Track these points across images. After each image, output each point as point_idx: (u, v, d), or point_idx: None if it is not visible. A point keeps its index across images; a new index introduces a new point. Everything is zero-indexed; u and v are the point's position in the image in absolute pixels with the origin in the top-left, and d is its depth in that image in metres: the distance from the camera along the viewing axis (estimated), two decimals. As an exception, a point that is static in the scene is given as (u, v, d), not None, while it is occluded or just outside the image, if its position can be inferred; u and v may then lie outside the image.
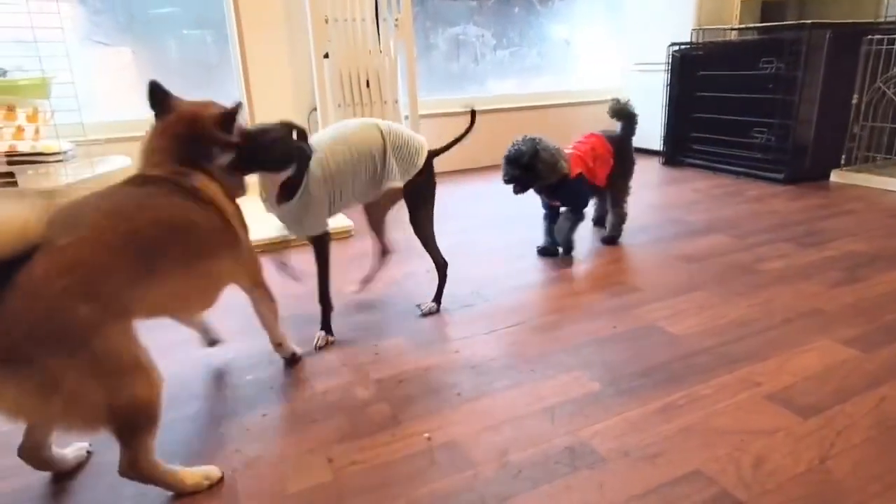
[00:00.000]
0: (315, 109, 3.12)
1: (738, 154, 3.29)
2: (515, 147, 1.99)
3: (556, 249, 2.15)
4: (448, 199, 3.03)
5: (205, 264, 1.10)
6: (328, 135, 1.49)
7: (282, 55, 3.14)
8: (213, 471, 1.05)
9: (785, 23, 3.34)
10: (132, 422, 0.91)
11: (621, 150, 2.22)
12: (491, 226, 2.54)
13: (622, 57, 4.02)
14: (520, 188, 2.01)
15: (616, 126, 2.30)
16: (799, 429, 1.13)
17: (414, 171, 1.54)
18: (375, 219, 1.80)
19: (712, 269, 1.95)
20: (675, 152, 3.67)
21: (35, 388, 0.80)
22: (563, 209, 2.14)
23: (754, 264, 1.98)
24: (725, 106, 3.30)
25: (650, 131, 3.73)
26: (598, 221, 2.45)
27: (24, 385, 0.79)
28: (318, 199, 1.43)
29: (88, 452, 1.13)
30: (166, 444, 1.13)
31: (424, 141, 1.59)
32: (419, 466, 1.06)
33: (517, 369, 1.37)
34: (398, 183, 1.53)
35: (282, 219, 1.48)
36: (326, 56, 2.98)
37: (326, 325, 1.56)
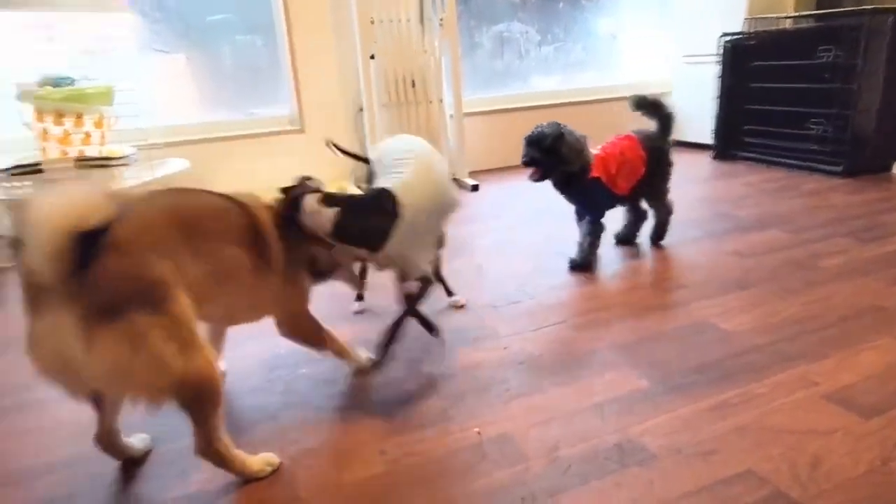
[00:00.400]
0: (361, 109, 3.18)
1: (792, 146, 3.18)
2: (538, 129, 1.87)
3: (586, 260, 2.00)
4: (491, 197, 3.04)
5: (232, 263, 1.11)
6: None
7: (329, 57, 3.21)
8: (273, 457, 1.10)
9: (843, 9, 3.20)
10: (200, 396, 0.96)
11: (656, 154, 2.02)
12: (534, 222, 2.54)
13: (671, 50, 3.94)
14: (539, 174, 1.87)
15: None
16: (859, 429, 1.10)
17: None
18: None
19: (766, 266, 1.90)
20: (727, 146, 3.57)
21: (126, 340, 0.86)
22: (580, 223, 2.01)
23: (810, 260, 1.92)
24: (780, 97, 3.20)
25: (700, 125, 3.64)
26: (623, 240, 2.22)
27: (118, 337, 0.86)
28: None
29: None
30: (229, 432, 1.19)
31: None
32: (470, 460, 1.09)
33: (565, 366, 1.38)
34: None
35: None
36: (373, 57, 3.04)
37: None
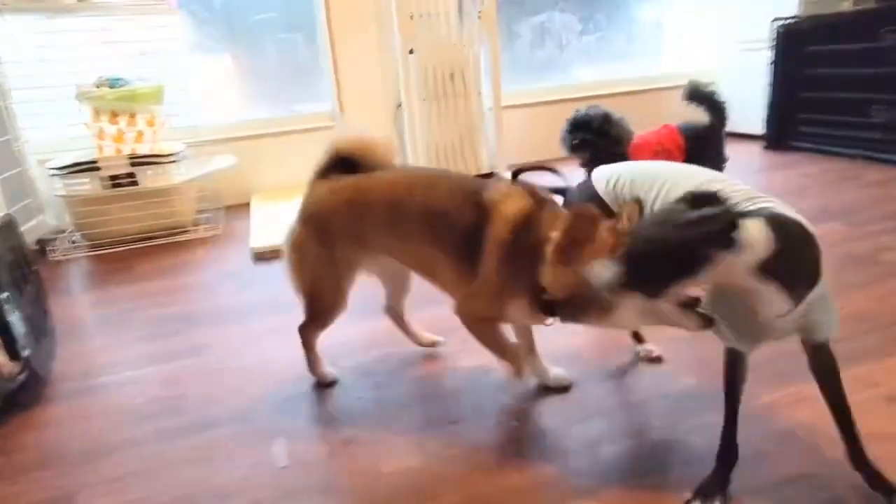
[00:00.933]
0: (400, 105, 3.19)
1: (853, 135, 3.01)
2: (581, 112, 1.81)
3: None
4: (534, 190, 3.00)
5: (432, 251, 1.14)
6: None
7: (370, 54, 3.23)
8: (333, 374, 1.37)
9: (910, -13, 3.01)
10: (312, 310, 1.31)
11: (701, 145, 1.90)
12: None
13: (719, 37, 3.79)
14: (589, 158, 1.78)
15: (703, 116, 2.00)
16: (926, 433, 1.03)
17: None
18: None
19: (827, 260, 1.80)
20: (780, 135, 3.42)
21: (298, 238, 1.25)
22: None
23: (874, 255, 1.82)
24: (839, 83, 3.03)
25: (750, 114, 3.49)
26: None
27: (297, 232, 1.26)
28: None
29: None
30: (274, 420, 1.22)
31: None
32: (508, 453, 1.07)
33: (607, 361, 1.35)
34: None
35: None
36: (412, 52, 3.04)
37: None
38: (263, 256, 2.25)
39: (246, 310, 1.80)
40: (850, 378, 1.21)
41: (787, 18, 3.23)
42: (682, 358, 1.33)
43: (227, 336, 1.65)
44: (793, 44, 3.22)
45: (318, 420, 1.23)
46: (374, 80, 3.27)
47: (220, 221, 2.75)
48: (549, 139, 3.72)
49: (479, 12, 3.04)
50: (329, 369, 1.36)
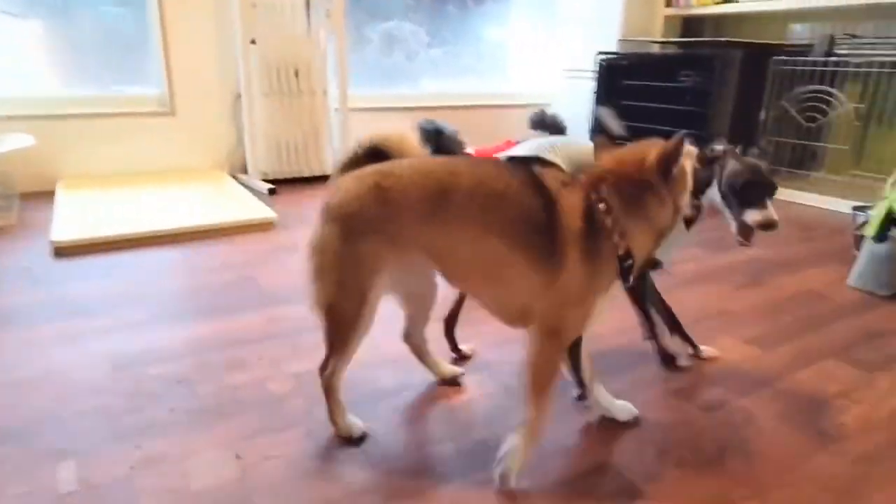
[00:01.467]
0: (240, 97, 3.00)
1: (657, 162, 3.44)
2: (419, 124, 1.94)
3: None
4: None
5: (479, 239, 0.95)
6: None
7: (206, 38, 3.00)
8: (359, 426, 1.10)
9: (702, 39, 3.53)
10: (331, 329, 1.06)
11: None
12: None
13: (553, 62, 4.12)
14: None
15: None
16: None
17: None
18: None
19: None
20: (600, 158, 3.79)
21: (321, 239, 1.01)
22: None
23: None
24: (648, 115, 3.45)
25: (577, 136, 3.83)
26: None
27: (320, 234, 1.01)
28: None
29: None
30: (59, 439, 1.05)
31: None
32: (335, 461, 1.04)
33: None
34: None
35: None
36: (253, 42, 2.88)
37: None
38: (65, 251, 1.97)
39: (35, 311, 1.55)
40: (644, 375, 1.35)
41: (608, 53, 3.61)
42: (504, 360, 1.39)
43: (4, 342, 1.40)
44: (612, 76, 3.60)
45: (117, 437, 1.08)
46: (210, 67, 3.04)
47: (12, 209, 2.36)
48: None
49: (328, 10, 2.97)
50: (356, 420, 1.10)
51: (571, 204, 0.94)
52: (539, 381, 0.97)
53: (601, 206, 0.94)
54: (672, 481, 1.01)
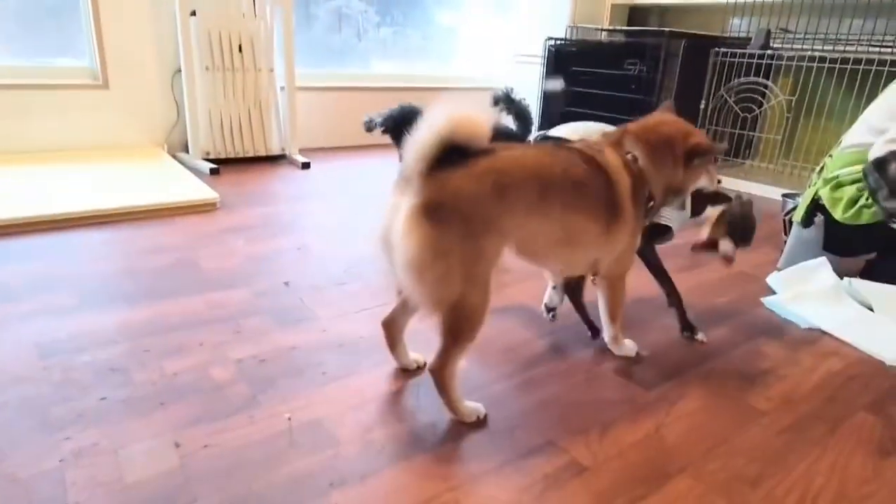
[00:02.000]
0: (179, 71, 2.86)
1: (603, 148, 3.51)
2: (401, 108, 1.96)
3: None
4: (321, 177, 2.93)
5: (567, 217, 1.13)
6: None
7: (141, 6, 2.83)
8: (480, 408, 1.14)
9: (647, 28, 3.61)
10: (461, 323, 1.05)
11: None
12: (365, 206, 2.50)
13: (504, 47, 4.13)
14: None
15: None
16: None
17: None
18: None
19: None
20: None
21: (432, 245, 0.98)
22: None
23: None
24: (595, 102, 3.51)
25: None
26: None
27: (436, 235, 0.98)
28: None
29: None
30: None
31: None
32: (279, 447, 1.02)
33: (386, 348, 1.36)
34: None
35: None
36: (193, 14, 2.75)
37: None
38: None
39: (-48, 298, 1.45)
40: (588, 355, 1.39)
41: (557, 39, 3.64)
42: (454, 342, 1.40)
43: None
44: (561, 62, 3.64)
45: (44, 429, 1.03)
46: (146, 38, 2.88)
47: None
48: (344, 124, 3.69)
49: (273, -17, 2.87)
50: (473, 403, 1.14)
51: (615, 164, 1.19)
52: (617, 307, 1.35)
53: (629, 156, 1.22)
54: (612, 457, 1.04)
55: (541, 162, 1.11)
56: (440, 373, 1.09)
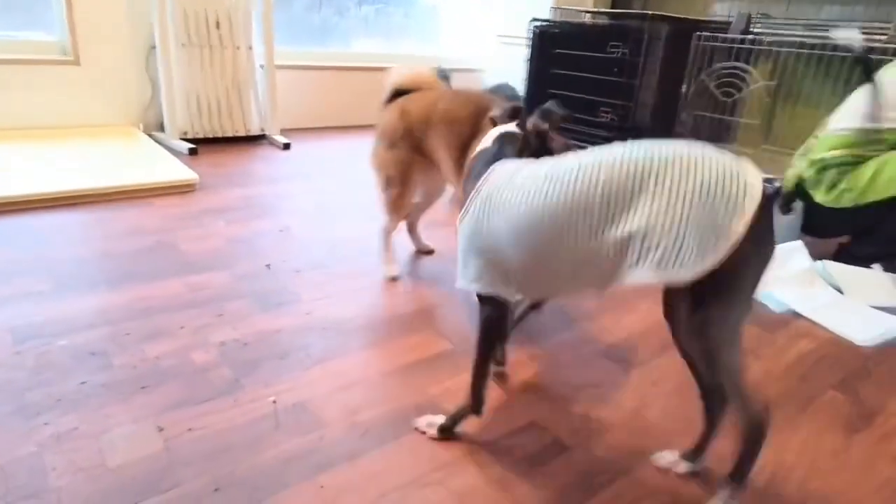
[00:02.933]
0: (154, 47, 2.78)
1: (587, 131, 3.52)
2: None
3: None
4: (302, 158, 2.90)
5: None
6: None
7: (114, -20, 2.74)
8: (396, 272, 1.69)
9: (631, 11, 3.60)
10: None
11: None
12: (347, 187, 2.47)
13: (488, 27, 4.09)
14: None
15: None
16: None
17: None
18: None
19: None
20: (531, 126, 3.82)
21: (375, 153, 1.64)
22: None
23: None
24: (578, 84, 3.50)
25: (509, 103, 3.84)
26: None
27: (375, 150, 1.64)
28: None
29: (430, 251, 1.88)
30: (-48, 421, 0.97)
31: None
32: (263, 430, 1.01)
33: (371, 330, 1.36)
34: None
35: None
36: (169, -13, 2.66)
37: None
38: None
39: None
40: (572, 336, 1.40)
41: (541, 20, 3.61)
42: (439, 325, 1.40)
43: None
44: (545, 44, 3.62)
45: (21, 414, 1.01)
46: (119, 11, 2.79)
47: None
48: (325, 103, 3.63)
49: (251, -42, 2.79)
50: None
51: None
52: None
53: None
54: (594, 436, 1.06)
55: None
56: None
